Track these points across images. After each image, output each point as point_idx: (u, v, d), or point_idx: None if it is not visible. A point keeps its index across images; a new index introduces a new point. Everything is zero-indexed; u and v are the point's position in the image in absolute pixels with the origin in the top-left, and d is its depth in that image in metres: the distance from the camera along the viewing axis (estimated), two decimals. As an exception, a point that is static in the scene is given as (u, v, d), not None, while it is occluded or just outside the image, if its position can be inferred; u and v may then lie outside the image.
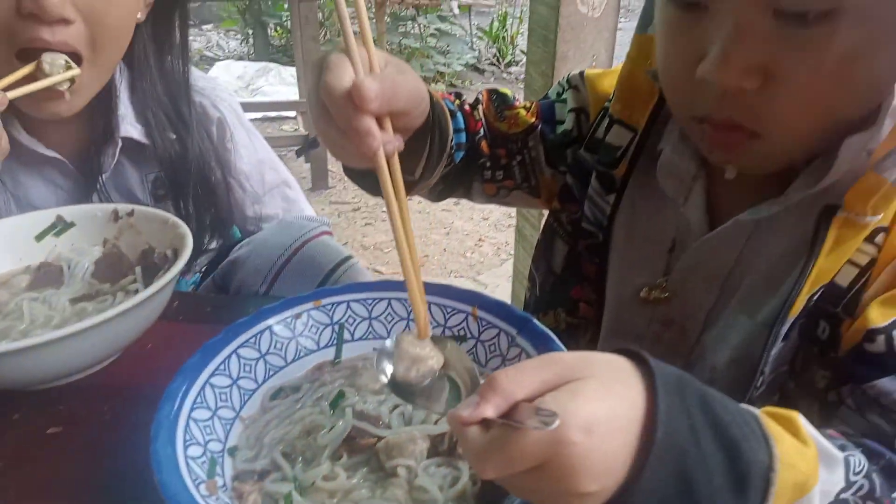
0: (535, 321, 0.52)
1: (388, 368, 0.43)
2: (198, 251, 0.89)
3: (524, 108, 0.73)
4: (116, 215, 0.73)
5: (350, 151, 0.44)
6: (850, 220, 0.47)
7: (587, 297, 0.67)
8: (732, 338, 0.57)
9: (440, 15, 5.21)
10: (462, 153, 0.69)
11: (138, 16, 0.79)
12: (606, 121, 0.65)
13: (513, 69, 5.38)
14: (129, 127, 0.82)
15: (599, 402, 0.31)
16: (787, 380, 0.54)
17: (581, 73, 0.71)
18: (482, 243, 2.84)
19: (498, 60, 5.52)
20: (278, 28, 5.41)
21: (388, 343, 0.44)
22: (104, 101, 0.81)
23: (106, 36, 0.72)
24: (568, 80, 0.72)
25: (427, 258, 2.71)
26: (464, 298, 0.57)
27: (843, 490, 0.37)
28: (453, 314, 0.57)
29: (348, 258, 0.80)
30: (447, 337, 0.54)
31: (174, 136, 0.85)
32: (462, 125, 0.69)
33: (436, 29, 5.16)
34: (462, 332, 0.56)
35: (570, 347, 0.67)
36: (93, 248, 0.72)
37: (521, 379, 0.32)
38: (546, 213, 0.76)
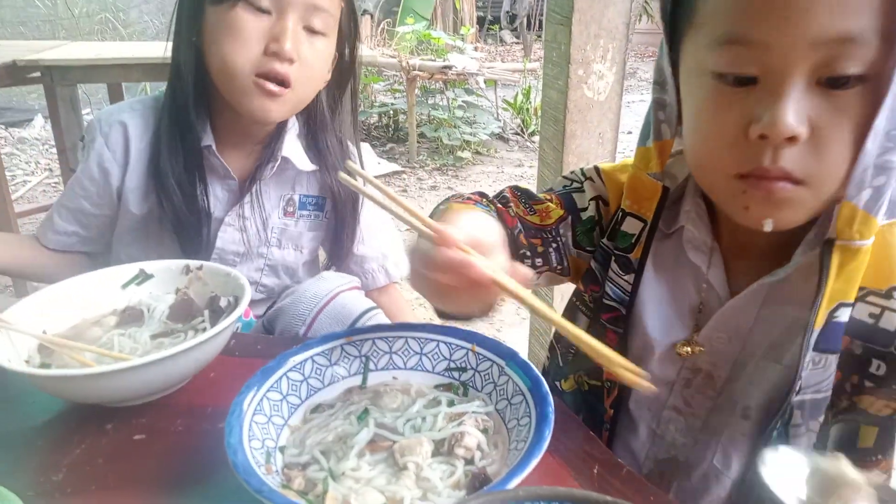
0: (520, 354, 0.66)
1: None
2: (339, 258, 1.19)
3: (550, 201, 0.82)
4: (188, 269, 0.89)
5: (462, 295, 0.53)
6: (846, 246, 0.58)
7: None
8: (763, 383, 0.67)
9: (467, 88, 5.51)
10: None
11: (327, 76, 1.08)
12: (620, 214, 0.76)
13: (536, 138, 5.62)
14: (295, 156, 1.09)
15: None
16: (828, 408, 0.64)
17: (596, 168, 0.83)
18: (502, 304, 2.96)
19: (522, 130, 5.79)
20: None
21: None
22: (274, 141, 1.09)
23: (307, 78, 1.00)
24: (583, 173, 0.83)
25: (450, 317, 2.84)
26: (465, 337, 0.71)
27: None
28: (457, 350, 0.71)
29: (372, 308, 0.95)
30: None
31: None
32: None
33: (463, 101, 5.45)
34: (463, 364, 0.70)
35: (595, 408, 0.81)
36: (167, 296, 0.89)
37: None
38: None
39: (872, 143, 0.52)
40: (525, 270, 0.55)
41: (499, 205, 0.81)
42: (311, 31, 0.99)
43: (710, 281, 0.70)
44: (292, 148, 1.10)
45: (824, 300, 0.59)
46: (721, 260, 0.69)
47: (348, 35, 1.08)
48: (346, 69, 1.12)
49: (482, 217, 0.61)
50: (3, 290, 2.81)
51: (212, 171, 1.08)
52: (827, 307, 0.60)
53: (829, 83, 0.53)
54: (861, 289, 0.60)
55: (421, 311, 2.87)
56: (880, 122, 0.51)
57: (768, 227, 0.59)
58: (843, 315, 0.60)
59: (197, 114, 1.04)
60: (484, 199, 0.82)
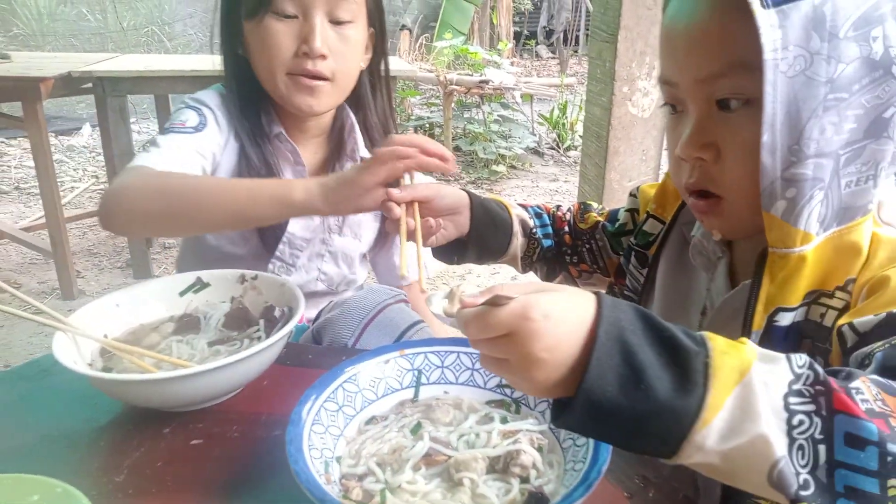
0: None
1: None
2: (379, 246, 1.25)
3: (598, 213, 1.00)
4: (243, 279, 0.91)
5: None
6: (777, 253, 0.60)
7: None
8: None
9: (503, 103, 5.52)
10: (550, 242, 0.98)
11: (361, 64, 1.13)
12: (646, 216, 0.86)
13: (571, 153, 5.60)
14: (364, 151, 1.15)
15: (557, 301, 0.44)
16: None
17: (638, 187, 0.94)
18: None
19: (557, 145, 5.77)
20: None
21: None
22: (341, 132, 1.16)
23: (343, 68, 1.06)
24: (630, 192, 0.97)
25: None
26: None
27: (794, 381, 0.43)
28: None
29: (420, 321, 0.96)
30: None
31: None
32: (548, 221, 1.00)
33: (499, 115, 5.46)
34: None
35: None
36: (223, 304, 0.91)
37: (511, 287, 0.47)
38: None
39: (769, 158, 0.56)
40: (432, 222, 0.83)
41: (559, 212, 1.01)
42: (338, 22, 1.04)
43: (713, 286, 0.75)
44: (363, 147, 1.16)
45: (760, 304, 0.61)
46: (726, 268, 0.73)
47: (375, 13, 1.12)
48: (378, 48, 1.16)
49: (455, 191, 0.86)
50: (51, 293, 2.90)
51: (283, 159, 1.13)
52: (764, 311, 0.61)
53: (725, 108, 0.61)
54: (815, 292, 0.61)
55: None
56: (766, 138, 0.55)
57: (717, 236, 0.71)
58: (784, 319, 0.61)
59: (261, 107, 1.10)
60: (538, 205, 1.01)
